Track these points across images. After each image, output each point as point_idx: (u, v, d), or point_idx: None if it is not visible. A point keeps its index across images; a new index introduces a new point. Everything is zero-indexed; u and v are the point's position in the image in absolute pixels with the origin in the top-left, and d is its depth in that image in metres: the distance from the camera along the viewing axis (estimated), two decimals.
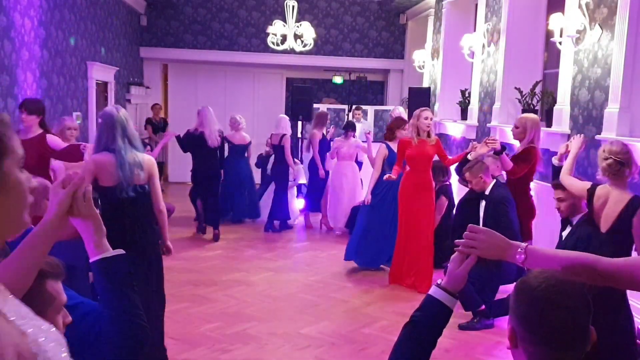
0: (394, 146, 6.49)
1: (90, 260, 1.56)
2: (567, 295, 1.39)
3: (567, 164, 4.17)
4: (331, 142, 8.79)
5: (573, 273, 1.58)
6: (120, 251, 1.58)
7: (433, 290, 1.68)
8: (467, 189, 5.53)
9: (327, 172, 8.59)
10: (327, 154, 8.56)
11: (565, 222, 3.97)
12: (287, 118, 8.71)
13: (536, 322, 1.40)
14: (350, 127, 8.35)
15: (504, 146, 5.34)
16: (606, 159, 3.51)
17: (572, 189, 3.89)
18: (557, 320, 1.37)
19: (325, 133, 8.86)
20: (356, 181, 8.41)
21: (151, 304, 3.56)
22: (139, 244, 3.71)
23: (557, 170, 4.38)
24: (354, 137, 8.35)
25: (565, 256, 1.70)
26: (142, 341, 1.56)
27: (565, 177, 4.01)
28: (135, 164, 3.71)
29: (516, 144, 5.47)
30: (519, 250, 1.68)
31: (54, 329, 1.08)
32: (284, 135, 8.28)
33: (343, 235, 8.06)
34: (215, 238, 7.69)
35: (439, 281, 1.70)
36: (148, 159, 3.85)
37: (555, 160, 4.48)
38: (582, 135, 4.44)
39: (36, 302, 1.47)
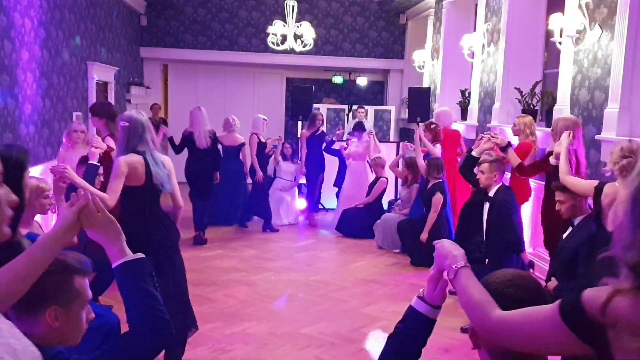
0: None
1: (114, 265, 1.67)
2: (521, 290, 1.41)
3: (562, 165, 4.17)
4: (332, 143, 8.88)
5: (466, 312, 1.50)
6: (140, 255, 1.70)
7: (415, 302, 1.66)
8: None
9: (319, 171, 8.68)
10: (343, 154, 8.67)
11: (566, 224, 3.96)
12: (262, 118, 8.55)
13: None
14: (360, 127, 8.56)
15: (509, 142, 5.35)
16: (624, 157, 3.51)
17: (577, 189, 3.88)
18: None
19: (320, 131, 8.92)
20: (366, 182, 8.44)
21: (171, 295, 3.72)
22: (158, 239, 3.83)
23: (556, 170, 4.39)
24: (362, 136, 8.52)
25: (476, 295, 1.49)
26: (165, 334, 1.66)
27: (567, 178, 3.99)
28: (162, 163, 3.91)
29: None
30: (454, 266, 1.57)
31: (31, 346, 1.07)
32: (253, 134, 8.29)
33: (337, 236, 8.08)
34: (197, 241, 7.42)
35: (421, 292, 1.68)
36: (167, 159, 4.04)
37: (552, 160, 4.51)
38: (570, 132, 4.45)
39: (62, 296, 1.63)
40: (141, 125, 3.81)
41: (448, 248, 1.64)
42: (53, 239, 1.62)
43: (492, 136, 5.19)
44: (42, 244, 1.61)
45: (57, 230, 1.63)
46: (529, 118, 5.77)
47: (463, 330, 4.77)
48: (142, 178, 3.77)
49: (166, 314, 1.68)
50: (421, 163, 6.90)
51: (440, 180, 6.72)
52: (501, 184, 4.87)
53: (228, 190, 8.27)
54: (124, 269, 1.67)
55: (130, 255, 1.69)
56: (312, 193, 8.86)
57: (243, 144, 8.31)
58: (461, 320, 4.91)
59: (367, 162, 8.53)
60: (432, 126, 7.19)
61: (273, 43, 9.68)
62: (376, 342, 4.56)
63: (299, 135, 10.05)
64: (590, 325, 1.20)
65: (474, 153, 5.16)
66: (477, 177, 4.91)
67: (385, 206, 8.42)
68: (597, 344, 1.21)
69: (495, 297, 1.42)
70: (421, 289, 1.68)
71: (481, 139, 5.34)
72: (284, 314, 5.20)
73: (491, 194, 4.82)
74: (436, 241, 1.71)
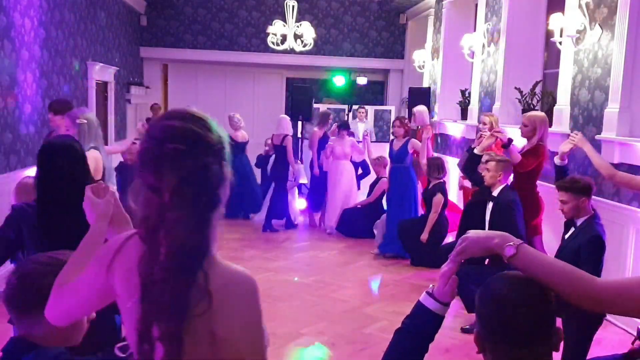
0: (395, 143, 7.24)
1: None
2: (524, 293, 1.41)
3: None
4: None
5: (558, 284, 1.46)
6: None
7: (424, 298, 1.65)
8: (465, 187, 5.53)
9: (325, 171, 8.61)
10: (322, 152, 8.57)
11: (568, 224, 3.94)
12: (288, 118, 8.74)
13: (496, 322, 1.42)
14: (343, 127, 8.40)
15: (510, 139, 5.35)
16: None
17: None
18: (513, 316, 1.39)
19: (327, 131, 8.87)
20: (351, 181, 8.38)
21: None
22: None
23: (560, 170, 4.34)
24: (348, 136, 8.37)
25: (562, 266, 1.51)
26: None
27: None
28: (108, 158, 4.42)
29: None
30: (510, 243, 1.52)
31: None
32: (286, 135, 8.31)
33: (337, 236, 8.08)
34: None
35: (431, 286, 1.68)
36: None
37: (557, 160, 4.40)
38: (577, 132, 4.45)
39: None
40: (97, 122, 4.18)
41: (485, 232, 1.61)
42: (101, 231, 1.64)
43: (495, 131, 5.15)
44: (93, 237, 1.61)
45: (101, 223, 1.64)
46: (496, 116, 6.11)
47: (463, 330, 4.77)
48: (101, 172, 4.09)
49: None
50: (424, 163, 6.91)
51: (441, 180, 6.72)
52: (505, 184, 4.86)
53: (243, 183, 8.66)
54: None
55: None
56: (319, 194, 8.76)
57: (248, 140, 8.99)
58: (461, 320, 4.91)
59: (351, 161, 8.43)
60: (405, 121, 7.37)
61: (273, 43, 9.68)
62: (376, 342, 4.56)
63: (299, 135, 10.04)
64: None
65: (476, 150, 5.12)
66: (482, 174, 4.89)
67: (385, 206, 8.40)
68: None
69: (498, 302, 1.42)
70: (431, 285, 1.68)
71: (480, 137, 5.33)
72: (284, 314, 5.20)
73: (495, 193, 4.81)
74: (461, 239, 1.65)
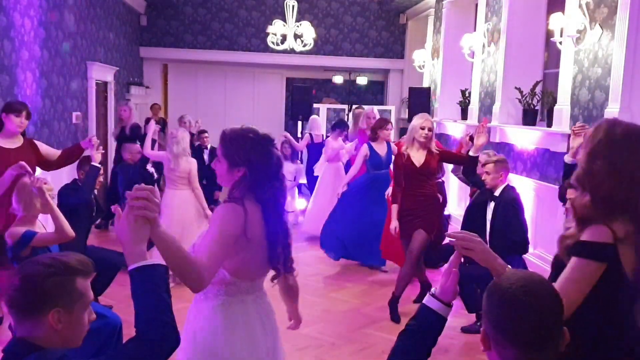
0: (377, 147, 6.49)
1: (131, 267, 1.65)
2: (536, 296, 1.41)
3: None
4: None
5: None
6: (155, 260, 1.68)
7: (427, 300, 1.69)
8: (465, 188, 5.53)
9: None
10: (323, 155, 8.12)
11: None
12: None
13: (506, 323, 1.42)
14: (341, 126, 7.97)
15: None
16: None
17: None
18: (525, 320, 1.39)
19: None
20: (339, 184, 7.85)
21: None
22: None
23: (570, 169, 4.18)
24: (342, 136, 7.96)
25: None
26: (173, 342, 1.66)
27: None
28: None
29: None
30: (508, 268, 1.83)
31: None
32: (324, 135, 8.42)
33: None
34: None
35: (433, 290, 1.71)
36: None
37: (568, 158, 4.14)
38: (580, 124, 4.29)
39: (65, 298, 1.62)
40: None
41: (493, 254, 1.89)
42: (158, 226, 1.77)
43: (483, 127, 5.04)
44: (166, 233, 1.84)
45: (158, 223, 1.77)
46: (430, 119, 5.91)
47: (463, 330, 4.77)
48: None
49: (174, 321, 1.67)
50: None
51: (440, 180, 6.68)
52: (506, 183, 4.84)
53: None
54: (142, 273, 1.64)
55: (149, 260, 1.66)
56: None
57: None
58: (461, 320, 4.91)
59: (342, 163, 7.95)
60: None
61: (273, 43, 9.68)
62: (376, 342, 4.56)
63: (299, 135, 10.05)
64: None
65: (471, 152, 5.05)
66: (482, 178, 4.85)
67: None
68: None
69: (509, 303, 1.42)
70: (433, 288, 1.71)
71: (468, 135, 5.38)
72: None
73: (496, 193, 4.79)
74: (456, 234, 1.86)
